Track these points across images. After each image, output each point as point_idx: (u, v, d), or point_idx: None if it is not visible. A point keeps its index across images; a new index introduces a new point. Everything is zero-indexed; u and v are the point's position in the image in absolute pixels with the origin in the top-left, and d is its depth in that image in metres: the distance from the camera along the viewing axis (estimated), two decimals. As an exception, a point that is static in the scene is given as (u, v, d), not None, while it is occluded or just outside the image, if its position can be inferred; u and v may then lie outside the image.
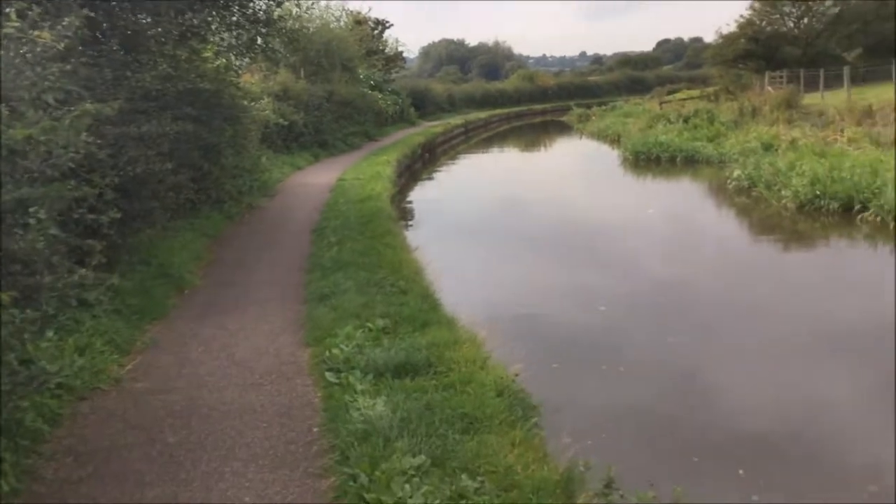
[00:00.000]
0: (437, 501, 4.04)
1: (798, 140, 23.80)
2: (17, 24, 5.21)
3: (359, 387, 5.55)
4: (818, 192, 15.71)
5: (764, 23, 47.11)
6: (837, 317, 9.74)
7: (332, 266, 9.38)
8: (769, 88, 36.57)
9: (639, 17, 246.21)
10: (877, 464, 5.79)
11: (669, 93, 56.58)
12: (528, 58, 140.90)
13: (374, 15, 46.10)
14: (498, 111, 61.77)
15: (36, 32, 5.35)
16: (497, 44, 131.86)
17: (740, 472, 5.64)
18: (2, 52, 5.00)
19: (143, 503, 4.37)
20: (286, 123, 23.19)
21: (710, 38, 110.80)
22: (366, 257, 9.70)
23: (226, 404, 5.64)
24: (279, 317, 7.81)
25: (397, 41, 50.00)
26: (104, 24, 9.82)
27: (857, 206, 14.71)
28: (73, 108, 5.38)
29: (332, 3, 32.60)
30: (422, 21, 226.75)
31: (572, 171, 28.93)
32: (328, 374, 5.92)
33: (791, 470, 5.81)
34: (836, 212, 15.16)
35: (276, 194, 16.73)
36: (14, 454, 4.45)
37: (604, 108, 53.19)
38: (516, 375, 5.98)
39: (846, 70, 31.28)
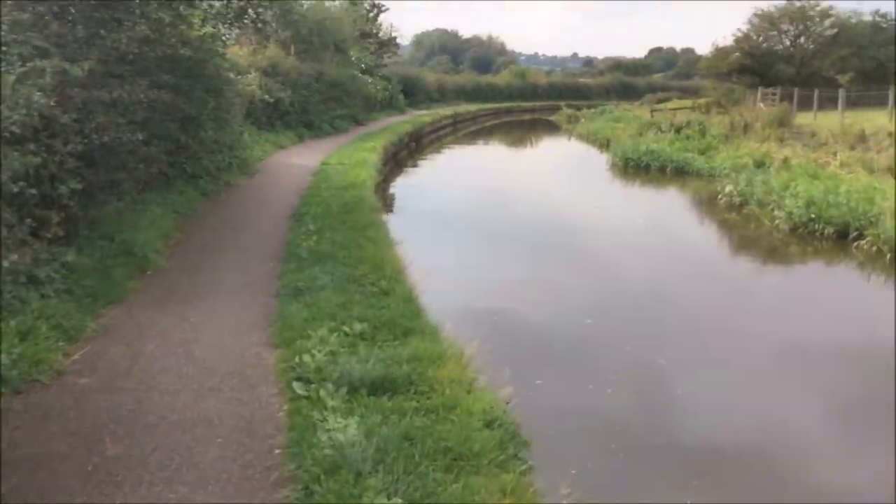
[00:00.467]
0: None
1: (790, 159, 23.49)
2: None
3: (330, 403, 4.94)
4: (813, 216, 15.28)
5: (760, 38, 46.93)
6: (809, 337, 9.66)
7: (310, 257, 8.74)
8: (761, 105, 36.29)
9: (632, 24, 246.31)
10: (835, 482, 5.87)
11: (660, 101, 56.30)
12: (520, 54, 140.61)
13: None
14: (488, 105, 61.24)
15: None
16: (490, 38, 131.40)
17: None
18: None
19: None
20: (272, 101, 22.46)
21: (701, 49, 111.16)
22: (346, 250, 9.06)
23: (177, 412, 5.00)
24: (248, 310, 7.17)
25: (392, 26, 49.28)
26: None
27: (854, 234, 14.28)
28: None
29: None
30: (417, 10, 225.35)
31: (561, 172, 28.41)
32: (296, 385, 5.29)
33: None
34: (830, 237, 14.73)
35: (257, 173, 16.05)
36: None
37: (593, 110, 52.86)
38: (507, 403, 5.39)
39: (841, 92, 31.00)
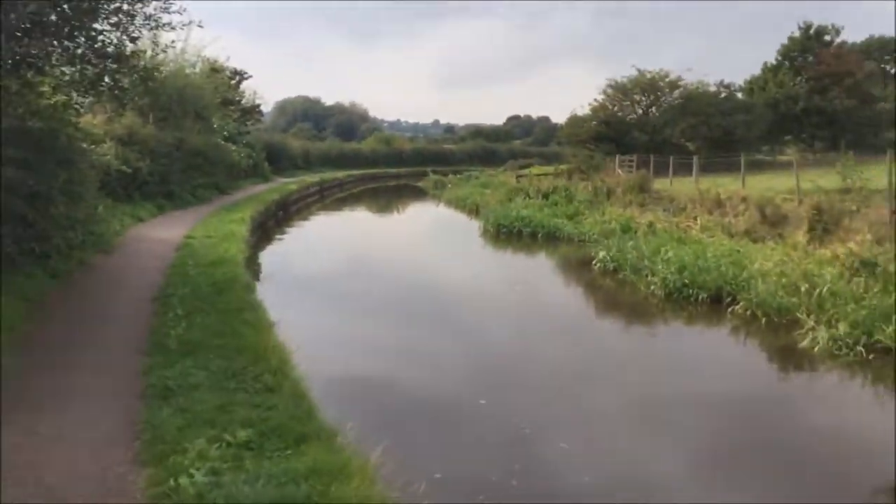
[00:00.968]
0: None
1: (654, 224, 24.20)
2: None
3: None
4: (686, 281, 15.54)
5: (615, 108, 49.05)
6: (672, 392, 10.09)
7: (179, 348, 7.79)
8: (619, 171, 37.62)
9: (490, 93, 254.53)
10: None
11: (522, 167, 57.71)
12: (383, 121, 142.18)
13: (232, 64, 44.40)
14: (354, 172, 61.09)
15: None
16: (353, 105, 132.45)
17: None
18: None
19: None
20: (129, 171, 21.19)
21: (556, 117, 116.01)
22: (221, 338, 8.18)
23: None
24: (110, 418, 6.17)
25: (255, 93, 48.44)
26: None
27: (727, 299, 14.57)
28: None
29: (190, 46, 30.48)
30: (279, 76, 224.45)
31: (434, 240, 28.22)
32: (174, 522, 4.46)
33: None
34: (704, 302, 14.98)
35: (114, 250, 14.83)
36: None
37: (459, 176, 53.60)
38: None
39: (695, 160, 32.53)
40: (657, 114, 48.30)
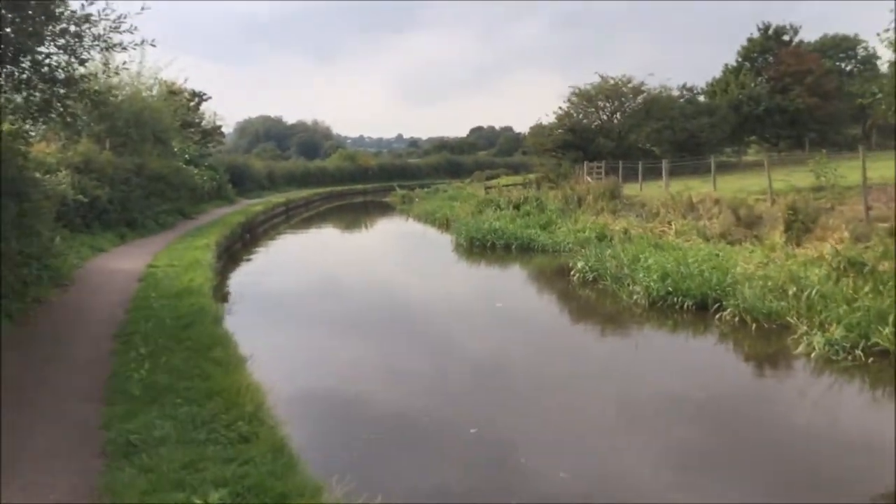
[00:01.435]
0: None
1: (629, 231, 23.85)
2: None
3: None
4: (670, 289, 15.12)
5: (580, 115, 48.92)
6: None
7: (143, 395, 7.08)
8: (588, 178, 37.38)
9: (452, 105, 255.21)
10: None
11: (489, 178, 57.52)
12: (346, 138, 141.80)
13: (191, 86, 43.63)
14: (320, 190, 60.42)
15: None
16: (316, 122, 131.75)
17: None
18: None
19: None
20: (87, 200, 20.36)
21: (519, 127, 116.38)
22: (188, 380, 7.49)
23: None
24: (63, 484, 5.44)
25: (215, 114, 47.62)
26: None
27: (714, 305, 14.14)
28: None
29: (146, 68, 29.75)
30: (239, 97, 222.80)
31: (406, 255, 27.59)
32: None
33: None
34: (690, 309, 14.55)
35: (72, 284, 14.04)
36: None
37: (426, 190, 53.18)
38: None
39: (665, 164, 32.32)
40: (622, 120, 48.25)
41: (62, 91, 11.79)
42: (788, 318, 12.83)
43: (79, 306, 12.13)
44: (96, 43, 11.68)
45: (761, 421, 9.27)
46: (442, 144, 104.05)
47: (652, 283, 15.45)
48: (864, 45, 60.45)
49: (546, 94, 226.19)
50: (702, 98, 52.98)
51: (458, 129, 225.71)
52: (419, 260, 25.98)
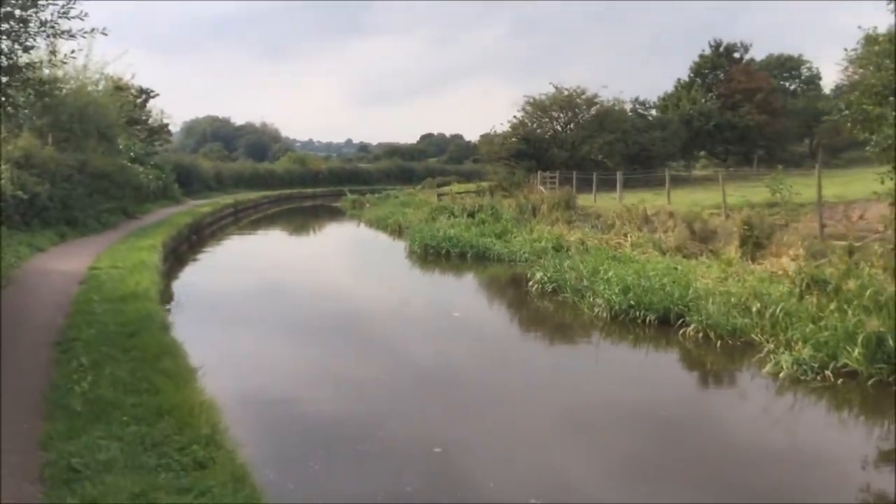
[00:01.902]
0: None
1: (585, 242, 23.67)
2: None
3: None
4: (632, 303, 14.87)
5: (534, 125, 48.95)
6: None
7: (86, 410, 6.41)
8: (541, 188, 37.29)
9: (403, 111, 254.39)
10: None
11: (440, 185, 57.28)
12: (295, 141, 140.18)
13: (138, 82, 42.37)
14: (268, 193, 59.37)
15: None
16: (264, 124, 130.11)
17: None
18: None
19: None
20: (27, 197, 19.41)
21: (469, 135, 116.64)
22: (136, 395, 6.85)
23: None
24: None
25: (162, 112, 46.33)
26: None
27: (679, 321, 13.89)
28: None
29: (92, 62, 28.65)
30: (186, 95, 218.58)
31: (358, 262, 27.02)
32: None
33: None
34: (652, 324, 14.30)
35: (8, 286, 13.19)
36: None
37: (377, 195, 52.64)
38: None
39: (619, 175, 32.38)
40: (575, 130, 48.42)
41: (4, 79, 11.04)
42: (753, 336, 12.64)
43: (15, 310, 11.33)
44: (43, 29, 10.97)
45: (724, 437, 9.13)
46: (393, 150, 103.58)
47: (613, 297, 15.17)
48: (807, 65, 61.91)
49: (497, 104, 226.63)
50: (654, 112, 53.50)
51: (408, 136, 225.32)
52: (372, 266, 25.45)
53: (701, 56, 55.90)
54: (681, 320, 13.83)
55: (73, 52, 13.56)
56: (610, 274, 16.67)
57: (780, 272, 16.07)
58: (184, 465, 5.39)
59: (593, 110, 48.26)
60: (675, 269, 17.44)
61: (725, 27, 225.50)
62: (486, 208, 31.63)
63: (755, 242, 19.15)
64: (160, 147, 45.65)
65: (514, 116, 48.83)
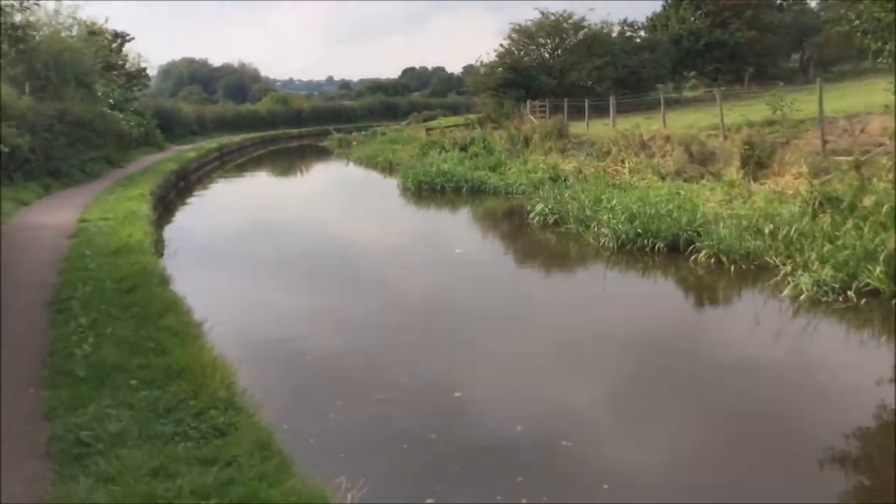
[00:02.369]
0: None
1: (582, 171, 23.19)
2: None
3: None
4: (640, 231, 14.48)
5: (522, 53, 47.84)
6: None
7: (90, 376, 5.97)
8: (531, 117, 36.56)
9: (383, 46, 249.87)
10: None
11: (426, 119, 56.31)
12: (275, 81, 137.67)
13: (112, 26, 41.03)
14: (252, 135, 58.30)
15: None
16: (243, 65, 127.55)
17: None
18: None
19: None
20: (7, 150, 18.73)
21: (451, 67, 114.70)
22: (142, 356, 6.42)
23: None
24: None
25: (139, 56, 45.01)
26: None
27: (691, 247, 13.51)
28: None
29: (64, 3, 27.58)
30: (161, 37, 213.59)
31: (353, 201, 26.41)
32: None
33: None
34: (661, 251, 13.94)
35: (-6, 243, 12.70)
36: None
37: (364, 133, 51.74)
38: None
39: (612, 101, 31.65)
40: (563, 57, 47.33)
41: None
42: (767, 258, 12.32)
43: (4, 269, 10.84)
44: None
45: (747, 360, 8.89)
46: (375, 86, 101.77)
47: (619, 226, 14.78)
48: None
49: (478, 33, 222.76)
50: (642, 33, 52.33)
51: (389, 71, 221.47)
52: (367, 205, 24.92)
53: (689, -27, 54.43)
54: (691, 246, 13.47)
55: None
56: (613, 202, 16.26)
57: (787, 191, 15.73)
58: (203, 432, 4.99)
59: (581, 35, 47.12)
60: (678, 193, 17.04)
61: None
62: (478, 141, 30.99)
63: (756, 162, 18.73)
64: (139, 92, 44.55)
65: (501, 45, 47.72)
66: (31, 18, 20.57)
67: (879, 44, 13.08)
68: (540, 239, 16.63)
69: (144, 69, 45.91)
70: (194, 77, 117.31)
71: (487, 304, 11.87)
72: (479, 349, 9.55)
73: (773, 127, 22.08)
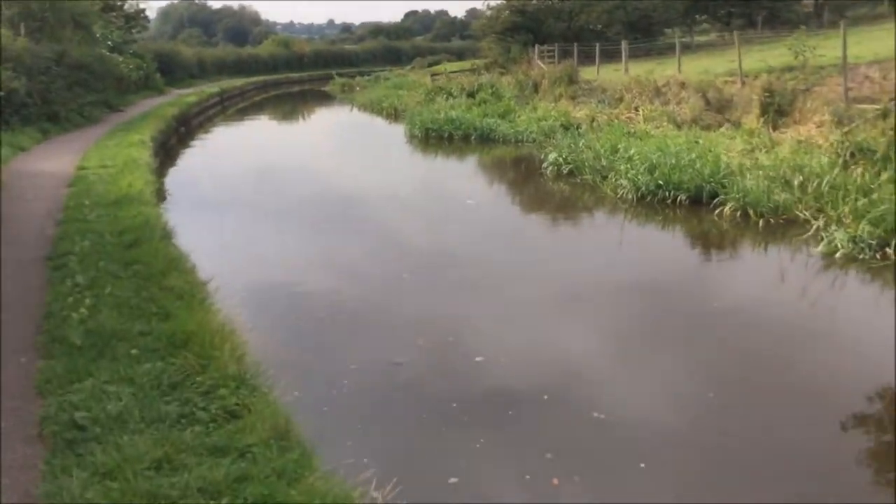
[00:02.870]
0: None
1: (595, 118, 22.50)
2: None
3: None
4: (661, 182, 13.88)
5: (530, -5, 46.52)
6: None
7: (87, 344, 5.44)
8: (540, 63, 35.61)
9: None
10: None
11: (430, 64, 55.16)
12: (275, 24, 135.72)
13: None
14: (254, 79, 57.21)
15: None
16: (243, 7, 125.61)
17: None
18: None
19: None
20: (3, 93, 18.10)
21: (454, 10, 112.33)
22: (144, 321, 5.90)
23: None
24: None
25: (138, -4, 43.79)
26: None
27: (715, 200, 12.92)
28: None
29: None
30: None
31: (359, 148, 25.69)
32: None
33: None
34: (684, 204, 13.36)
35: (-11, 192, 12.15)
36: None
37: (367, 78, 50.70)
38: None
39: (624, 45, 30.67)
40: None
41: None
42: (797, 212, 11.78)
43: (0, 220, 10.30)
44: None
45: (785, 321, 8.48)
46: (377, 29, 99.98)
47: (639, 177, 14.20)
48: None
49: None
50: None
51: (391, 14, 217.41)
52: (373, 152, 24.23)
53: (702, -88, 52.59)
54: (715, 199, 12.89)
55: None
56: (632, 152, 15.62)
57: (812, 141, 15.11)
58: (212, 415, 4.45)
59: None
60: (697, 142, 16.43)
61: None
62: (486, 87, 30.13)
63: (776, 110, 18.03)
64: (138, 35, 43.49)
65: (508, -12, 46.28)
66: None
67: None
68: (555, 190, 16.06)
69: (143, 10, 44.82)
70: (194, 20, 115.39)
71: (510, 256, 11.38)
72: (513, 311, 9.03)
73: (793, 73, 21.25)
